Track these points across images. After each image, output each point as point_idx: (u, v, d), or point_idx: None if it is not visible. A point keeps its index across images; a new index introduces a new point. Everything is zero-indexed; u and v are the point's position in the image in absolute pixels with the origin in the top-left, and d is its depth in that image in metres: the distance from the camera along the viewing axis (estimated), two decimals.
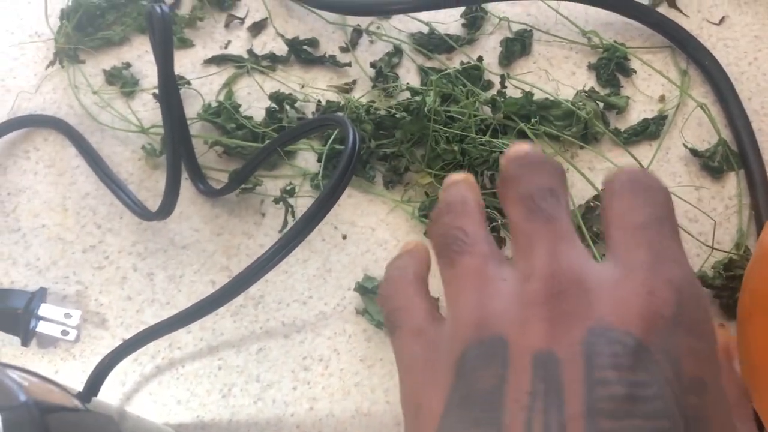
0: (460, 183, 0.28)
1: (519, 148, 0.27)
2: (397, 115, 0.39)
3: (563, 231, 0.23)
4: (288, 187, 0.38)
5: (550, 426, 0.20)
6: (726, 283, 0.37)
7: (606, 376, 0.21)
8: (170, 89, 0.37)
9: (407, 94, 0.42)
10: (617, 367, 0.21)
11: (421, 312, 0.26)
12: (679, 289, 0.22)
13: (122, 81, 0.45)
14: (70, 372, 0.39)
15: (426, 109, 0.38)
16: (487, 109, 0.41)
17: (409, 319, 0.26)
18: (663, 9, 0.46)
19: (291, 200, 0.40)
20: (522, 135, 0.40)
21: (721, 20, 0.45)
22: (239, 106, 0.43)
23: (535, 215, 0.24)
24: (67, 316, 0.39)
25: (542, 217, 0.24)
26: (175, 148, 0.37)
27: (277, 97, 0.42)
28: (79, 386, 0.37)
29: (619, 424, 0.20)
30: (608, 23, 0.45)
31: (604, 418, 0.20)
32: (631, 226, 0.23)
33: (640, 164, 0.38)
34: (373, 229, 0.41)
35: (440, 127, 0.39)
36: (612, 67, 0.43)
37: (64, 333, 0.39)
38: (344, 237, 0.40)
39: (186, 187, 0.42)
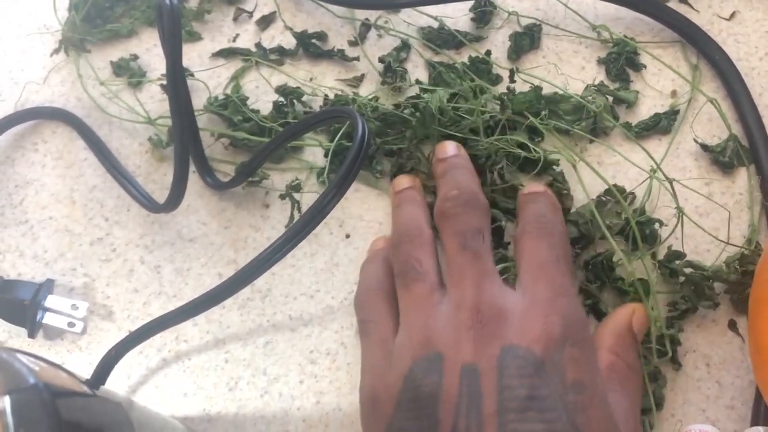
0: (408, 200, 0.37)
1: (446, 149, 0.38)
2: (405, 112, 0.39)
3: (486, 267, 0.32)
4: (294, 183, 0.38)
5: (471, 421, 0.27)
6: (740, 279, 0.36)
7: (513, 383, 0.27)
8: (178, 80, 0.37)
9: (416, 89, 0.42)
10: (521, 376, 0.28)
11: (387, 327, 0.33)
12: (567, 315, 0.30)
13: (130, 72, 0.45)
14: (76, 363, 0.39)
15: (433, 110, 0.38)
16: (497, 105, 0.41)
17: (378, 331, 0.33)
18: (673, 4, 0.45)
19: (297, 195, 0.40)
20: (532, 130, 0.40)
21: (732, 15, 0.45)
22: (246, 99, 0.42)
23: (466, 251, 0.32)
24: (74, 307, 0.39)
25: (471, 253, 0.32)
26: (183, 138, 0.37)
27: (283, 91, 0.42)
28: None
29: (520, 416, 0.27)
30: (618, 18, 0.45)
31: (511, 413, 0.27)
32: (535, 264, 0.32)
33: (652, 158, 0.38)
34: (380, 223, 0.40)
35: (446, 130, 0.39)
36: (621, 61, 0.43)
37: (71, 325, 0.38)
38: (347, 236, 0.40)
39: (194, 180, 0.42)
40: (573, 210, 0.38)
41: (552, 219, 0.34)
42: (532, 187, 0.37)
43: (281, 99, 0.42)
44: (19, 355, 0.21)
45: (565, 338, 0.29)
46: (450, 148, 0.38)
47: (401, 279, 0.33)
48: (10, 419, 0.19)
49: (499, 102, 0.40)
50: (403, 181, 0.39)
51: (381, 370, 0.32)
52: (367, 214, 0.41)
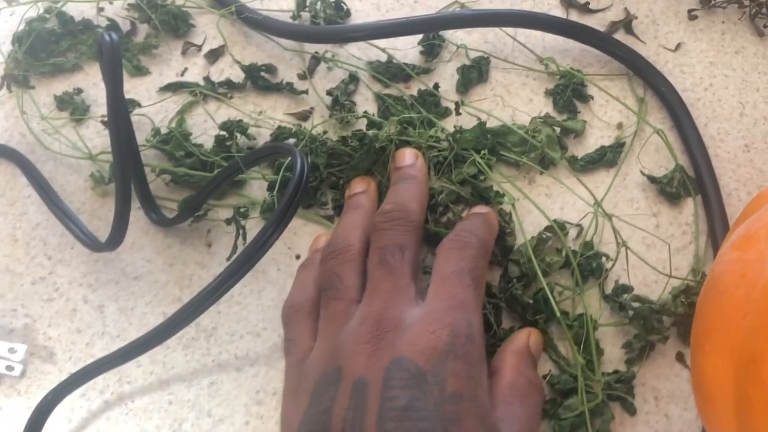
0: (352, 208, 0.37)
1: (404, 157, 0.38)
2: (351, 144, 0.39)
3: (399, 283, 0.32)
4: (242, 209, 0.38)
5: None
6: (686, 311, 0.36)
7: (394, 394, 0.28)
8: (119, 115, 0.36)
9: (364, 121, 0.42)
10: (403, 387, 0.29)
11: (305, 347, 0.33)
12: (455, 328, 0.30)
13: (73, 106, 0.44)
14: (14, 409, 0.37)
15: (377, 145, 0.38)
16: (445, 142, 0.41)
17: (297, 351, 0.34)
18: (620, 35, 0.46)
19: (243, 222, 0.39)
20: (477, 166, 0.40)
21: (677, 46, 0.45)
22: (190, 134, 0.42)
23: (382, 266, 0.33)
24: (12, 351, 0.37)
25: (386, 269, 0.33)
26: (124, 175, 0.37)
27: (226, 126, 0.41)
28: (23, 423, 0.35)
29: (397, 426, 0.28)
30: (565, 50, 0.45)
31: (389, 423, 0.28)
32: (440, 276, 0.33)
33: (592, 194, 0.38)
34: None
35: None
36: (568, 93, 0.43)
37: (9, 368, 0.37)
38: (298, 257, 0.40)
39: (138, 216, 0.41)
40: (516, 248, 0.38)
41: (474, 233, 0.35)
42: (476, 208, 0.38)
43: (224, 133, 0.42)
44: None
45: (449, 351, 0.30)
46: (407, 157, 0.38)
47: (323, 295, 0.34)
48: None
49: (447, 142, 0.40)
50: (356, 185, 0.39)
51: (293, 389, 0.33)
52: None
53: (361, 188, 0.38)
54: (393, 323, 0.30)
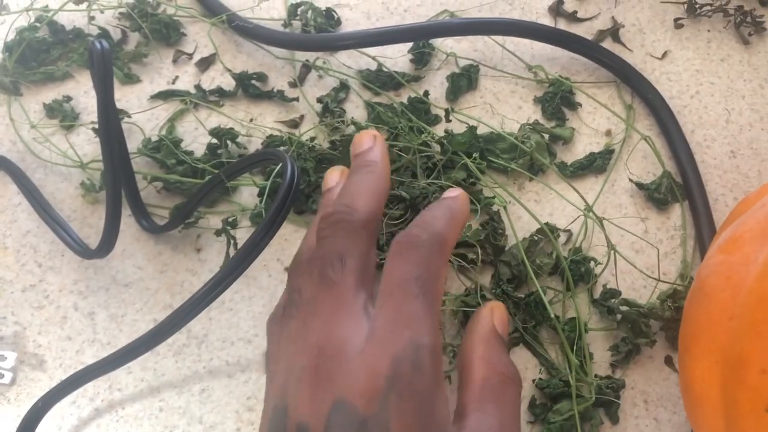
0: (324, 206, 0.32)
1: (361, 140, 0.32)
2: (340, 148, 0.39)
3: (341, 298, 0.27)
4: (230, 219, 0.38)
5: None
6: (673, 315, 0.37)
7: None
8: (110, 122, 0.36)
9: (353, 128, 0.42)
10: None
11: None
12: (397, 359, 0.25)
13: (62, 114, 0.44)
14: (4, 417, 0.37)
15: None
16: (436, 145, 0.41)
17: (269, 368, 0.30)
18: (607, 44, 0.46)
19: (233, 232, 0.39)
20: (468, 169, 0.40)
21: (664, 55, 0.46)
22: (180, 141, 0.42)
23: (323, 281, 0.28)
24: (2, 358, 0.37)
25: (326, 283, 0.28)
26: (115, 183, 0.37)
27: (217, 133, 0.42)
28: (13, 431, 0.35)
29: None
30: (554, 58, 0.46)
31: None
32: (385, 287, 0.27)
33: (583, 198, 0.38)
34: None
35: None
36: (557, 100, 0.43)
37: None
38: (287, 269, 0.40)
39: (129, 223, 0.41)
40: (507, 249, 0.38)
41: (426, 228, 0.28)
42: (447, 192, 0.32)
43: (215, 140, 0.42)
44: None
45: (390, 389, 0.25)
46: (365, 140, 0.32)
47: (284, 313, 0.30)
48: None
49: (438, 144, 0.40)
50: (331, 177, 0.34)
51: (263, 418, 0.29)
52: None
53: (334, 181, 0.34)
54: (334, 349, 0.26)
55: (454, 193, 0.31)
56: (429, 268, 0.28)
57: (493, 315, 0.30)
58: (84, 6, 0.46)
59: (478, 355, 0.29)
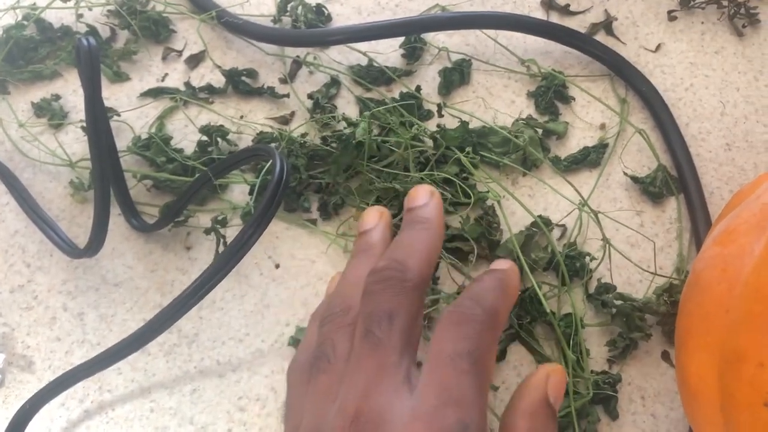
0: (360, 252, 0.32)
1: (416, 196, 0.31)
2: (332, 145, 0.39)
3: (386, 360, 0.26)
4: (220, 217, 0.37)
5: None
6: (669, 309, 0.36)
7: None
8: (98, 120, 0.36)
9: (344, 125, 0.42)
10: None
11: (297, 420, 0.28)
12: None
13: (51, 113, 0.43)
14: None
15: (355, 141, 0.38)
16: (428, 140, 0.41)
17: (290, 422, 0.29)
18: (601, 37, 0.46)
19: (223, 231, 0.39)
20: (460, 164, 0.40)
21: (658, 47, 0.46)
22: (170, 138, 0.42)
23: (367, 339, 0.27)
24: None
25: (371, 342, 0.26)
26: (104, 181, 0.36)
27: (207, 130, 0.41)
28: None
29: None
30: (547, 52, 0.45)
31: None
32: (433, 361, 0.26)
33: (578, 192, 0.38)
34: (313, 262, 0.40)
35: (373, 165, 0.38)
36: (550, 94, 0.43)
37: None
38: (277, 266, 0.39)
39: (119, 222, 0.40)
40: (501, 243, 0.38)
41: (479, 302, 0.28)
42: (496, 263, 0.30)
43: (205, 138, 0.41)
44: None
45: None
46: (420, 195, 0.31)
47: (313, 364, 0.28)
48: None
49: (431, 138, 0.40)
50: (368, 219, 0.33)
51: None
52: (299, 253, 0.40)
53: (371, 224, 0.32)
54: (372, 419, 0.25)
55: (505, 265, 0.30)
56: (481, 345, 0.26)
57: (547, 381, 0.28)
58: (72, 3, 0.46)
59: (521, 428, 0.27)
